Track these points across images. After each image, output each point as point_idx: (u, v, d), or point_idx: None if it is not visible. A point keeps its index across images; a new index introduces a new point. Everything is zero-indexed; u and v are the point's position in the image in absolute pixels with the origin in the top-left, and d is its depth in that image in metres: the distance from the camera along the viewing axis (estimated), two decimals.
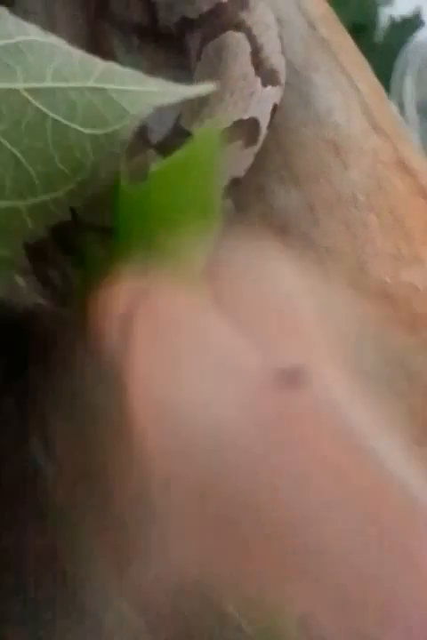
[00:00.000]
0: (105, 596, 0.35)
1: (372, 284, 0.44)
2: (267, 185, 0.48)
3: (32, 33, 0.37)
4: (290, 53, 0.50)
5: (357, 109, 0.48)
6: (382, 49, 0.72)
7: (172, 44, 0.51)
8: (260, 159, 0.48)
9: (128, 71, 0.37)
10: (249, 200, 0.48)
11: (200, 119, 0.42)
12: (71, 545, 0.35)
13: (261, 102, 0.44)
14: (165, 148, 0.41)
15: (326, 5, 0.52)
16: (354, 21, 0.67)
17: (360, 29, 0.69)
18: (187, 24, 0.48)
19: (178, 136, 0.42)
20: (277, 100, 0.46)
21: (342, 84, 0.49)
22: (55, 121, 0.35)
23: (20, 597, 0.35)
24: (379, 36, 0.75)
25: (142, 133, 0.50)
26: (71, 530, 0.35)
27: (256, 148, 0.46)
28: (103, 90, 0.36)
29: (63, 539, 0.35)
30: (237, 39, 0.44)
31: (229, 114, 0.42)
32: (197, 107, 0.42)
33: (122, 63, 0.40)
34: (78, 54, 0.37)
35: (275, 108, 0.46)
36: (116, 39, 0.54)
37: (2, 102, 0.35)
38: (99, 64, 0.37)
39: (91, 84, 0.36)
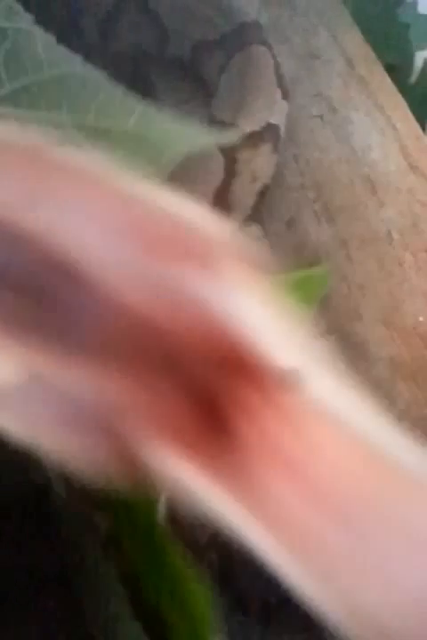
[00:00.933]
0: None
1: (405, 323, 0.44)
2: (299, 218, 0.48)
3: (78, 66, 0.38)
4: (328, 90, 0.50)
5: (394, 148, 0.49)
6: (417, 90, 0.73)
7: (182, 72, 0.53)
8: (291, 192, 0.48)
9: (166, 114, 0.37)
10: (280, 231, 0.48)
11: (243, 115, 0.45)
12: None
13: (280, 112, 0.48)
14: None
15: (365, 45, 0.53)
16: (390, 62, 0.68)
17: (396, 70, 0.70)
18: (205, 47, 0.51)
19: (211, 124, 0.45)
20: (287, 113, 0.49)
21: (379, 123, 0.49)
22: None
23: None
24: (414, 77, 0.76)
25: None
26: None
27: (277, 156, 0.48)
28: (143, 135, 0.37)
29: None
30: (262, 52, 0.48)
31: (262, 116, 0.46)
32: (237, 101, 0.46)
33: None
34: (120, 92, 0.38)
35: (286, 121, 0.48)
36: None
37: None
38: (138, 105, 0.38)
39: (131, 127, 0.37)
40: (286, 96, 0.48)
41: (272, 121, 0.46)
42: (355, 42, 0.53)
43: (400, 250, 0.46)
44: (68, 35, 0.42)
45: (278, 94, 0.47)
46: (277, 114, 0.47)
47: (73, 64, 0.38)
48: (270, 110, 0.46)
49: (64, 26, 0.43)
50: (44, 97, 0.37)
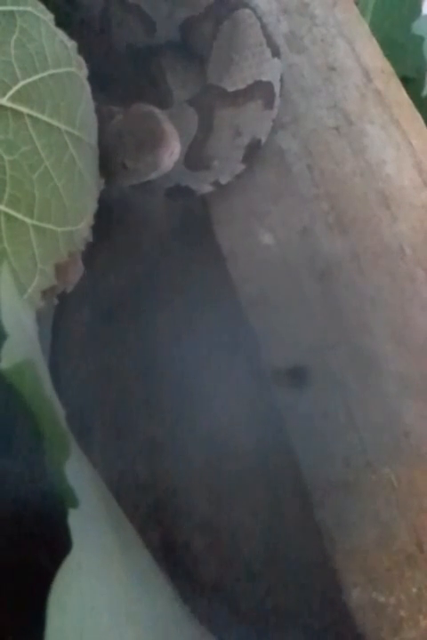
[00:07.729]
0: None
1: (416, 339, 0.44)
2: (312, 228, 0.48)
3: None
4: (344, 102, 0.50)
5: (409, 163, 0.49)
6: None
7: (172, 52, 0.55)
8: (305, 202, 0.48)
9: None
10: (293, 240, 0.48)
11: (228, 76, 0.48)
12: None
13: (272, 70, 0.49)
14: (196, 102, 0.48)
15: (384, 59, 0.53)
16: (404, 74, 0.68)
17: (410, 83, 0.69)
18: (192, 22, 0.53)
19: (208, 91, 0.48)
20: (281, 71, 0.51)
21: (395, 138, 0.49)
22: (80, 170, 0.40)
23: None
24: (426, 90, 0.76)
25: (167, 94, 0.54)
26: None
27: (273, 113, 0.50)
28: None
29: None
30: (248, 14, 0.50)
31: (249, 74, 0.48)
32: (225, 64, 0.48)
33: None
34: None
35: (281, 79, 0.51)
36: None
37: (47, 137, 0.39)
38: None
39: None
40: (276, 53, 0.50)
41: (262, 78, 0.48)
42: (373, 54, 0.52)
43: (412, 265, 0.46)
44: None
45: (268, 53, 0.49)
46: (269, 71, 0.48)
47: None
48: (259, 68, 0.48)
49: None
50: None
